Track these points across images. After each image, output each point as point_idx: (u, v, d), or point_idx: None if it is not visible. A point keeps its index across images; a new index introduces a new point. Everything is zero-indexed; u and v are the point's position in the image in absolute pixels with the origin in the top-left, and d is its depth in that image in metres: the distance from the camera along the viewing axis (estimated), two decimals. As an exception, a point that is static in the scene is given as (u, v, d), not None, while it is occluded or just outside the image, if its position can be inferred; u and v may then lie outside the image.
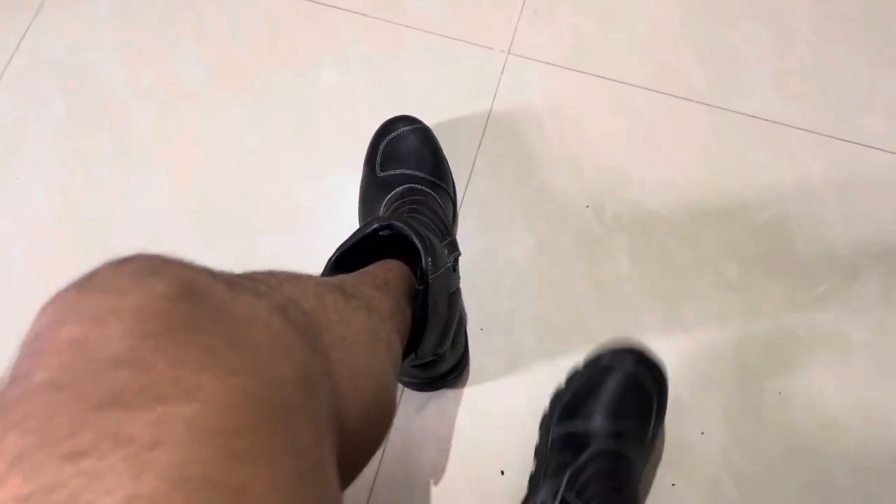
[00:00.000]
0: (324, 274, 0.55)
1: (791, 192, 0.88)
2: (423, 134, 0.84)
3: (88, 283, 0.25)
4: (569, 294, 0.83)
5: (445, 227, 0.72)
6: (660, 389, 0.72)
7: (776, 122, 0.91)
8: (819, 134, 0.90)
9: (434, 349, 0.61)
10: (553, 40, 0.95)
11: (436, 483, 0.76)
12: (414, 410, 0.79)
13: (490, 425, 0.78)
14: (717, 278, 0.84)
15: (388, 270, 0.54)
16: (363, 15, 0.97)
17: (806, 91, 0.93)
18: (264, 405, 0.24)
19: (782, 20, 0.96)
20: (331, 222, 0.87)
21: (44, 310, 0.25)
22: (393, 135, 0.83)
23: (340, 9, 0.97)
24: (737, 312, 0.83)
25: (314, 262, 0.85)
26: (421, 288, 0.54)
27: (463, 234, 0.86)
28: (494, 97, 0.92)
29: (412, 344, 0.55)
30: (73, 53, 0.96)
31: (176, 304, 0.25)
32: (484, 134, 0.91)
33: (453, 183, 0.86)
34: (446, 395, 0.79)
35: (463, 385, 0.80)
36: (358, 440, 0.36)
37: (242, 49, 0.96)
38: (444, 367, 0.73)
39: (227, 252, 0.87)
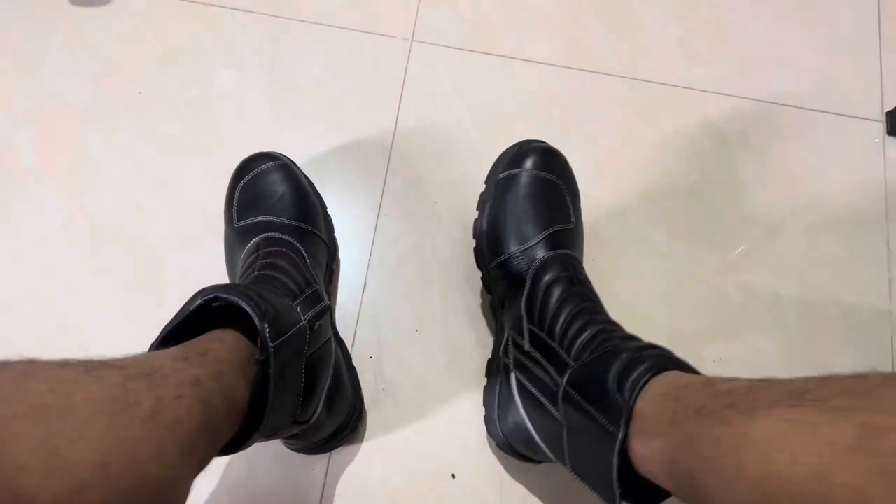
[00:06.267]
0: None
1: (710, 156, 0.87)
2: (284, 172, 0.74)
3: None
4: (501, 283, 0.80)
5: (306, 279, 0.65)
6: (563, 172, 0.71)
7: (687, 88, 0.90)
8: (730, 95, 0.90)
9: (292, 418, 0.55)
10: (455, 23, 0.92)
11: (386, 496, 0.72)
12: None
13: (436, 430, 0.75)
14: (646, 249, 0.83)
15: (213, 340, 0.49)
16: (249, 11, 0.91)
17: (712, 52, 0.92)
18: None
19: (681, -16, 0.96)
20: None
21: None
22: (249, 177, 0.73)
23: (224, 7, 0.91)
24: (669, 281, 0.82)
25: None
26: (261, 358, 0.49)
27: (386, 234, 0.82)
28: (403, 87, 0.88)
29: (255, 417, 0.49)
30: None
31: None
32: (396, 127, 0.87)
33: (327, 220, 0.78)
34: (386, 403, 0.75)
35: (361, 440, 0.74)
36: None
37: (124, 57, 0.89)
38: (321, 434, 0.67)
39: (131, 277, 0.80)
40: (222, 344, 0.49)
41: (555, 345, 0.59)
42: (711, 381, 0.43)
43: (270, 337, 0.49)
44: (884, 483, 0.29)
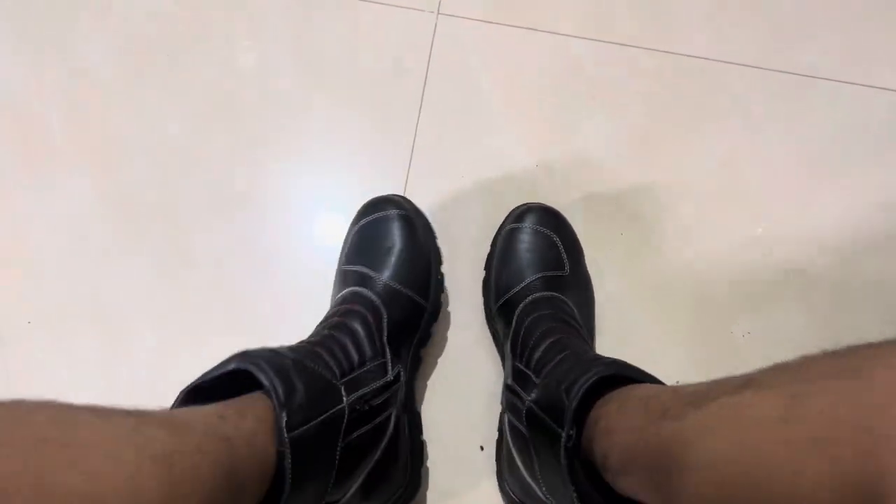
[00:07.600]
0: (173, 407, 0.46)
1: (738, 129, 0.87)
2: (402, 223, 0.71)
3: None
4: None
5: (375, 349, 0.61)
6: (556, 226, 0.75)
7: (714, 60, 0.89)
8: (758, 67, 0.89)
9: (319, 501, 0.51)
10: (482, -5, 0.91)
11: (416, 468, 0.74)
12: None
13: (464, 400, 0.76)
14: (674, 224, 0.83)
15: (259, 399, 0.46)
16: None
17: (740, 24, 0.91)
18: None
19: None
20: (274, 201, 0.82)
21: None
22: (366, 220, 0.72)
23: (252, -18, 0.91)
24: (695, 257, 0.82)
25: (259, 248, 0.81)
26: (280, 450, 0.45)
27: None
28: (429, 61, 0.88)
29: (276, 491, 0.45)
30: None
31: None
32: (422, 103, 0.86)
33: (435, 279, 0.74)
34: (417, 373, 0.76)
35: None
36: None
37: (149, 28, 0.90)
38: None
39: (159, 249, 0.81)
40: (266, 402, 0.46)
41: (529, 372, 0.61)
42: (678, 388, 0.44)
43: (294, 424, 0.45)
44: (811, 449, 0.29)
